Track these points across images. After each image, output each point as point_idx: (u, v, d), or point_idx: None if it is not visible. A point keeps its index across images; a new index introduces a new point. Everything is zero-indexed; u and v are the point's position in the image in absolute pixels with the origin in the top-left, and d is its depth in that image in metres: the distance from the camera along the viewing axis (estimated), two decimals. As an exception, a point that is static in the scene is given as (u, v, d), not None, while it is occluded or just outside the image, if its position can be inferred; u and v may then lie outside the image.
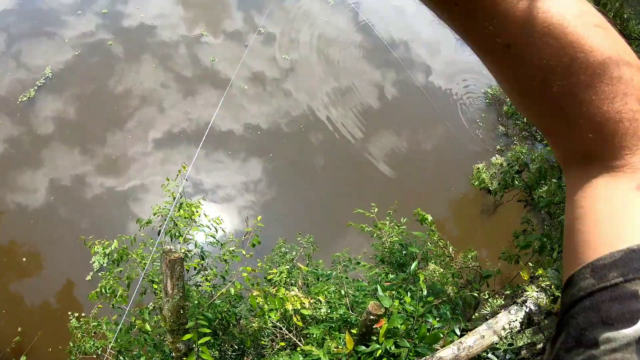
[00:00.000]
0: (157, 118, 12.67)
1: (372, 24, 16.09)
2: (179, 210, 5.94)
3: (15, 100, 12.80)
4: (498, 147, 13.19)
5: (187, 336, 4.11)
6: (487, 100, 14.58)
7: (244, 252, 6.15)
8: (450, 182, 12.37)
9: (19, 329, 9.91)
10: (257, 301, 4.72)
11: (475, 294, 5.76)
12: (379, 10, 16.91)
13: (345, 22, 16.13)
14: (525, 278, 5.50)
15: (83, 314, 9.80)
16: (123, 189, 11.66)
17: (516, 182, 9.12)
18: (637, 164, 0.66)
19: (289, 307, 4.61)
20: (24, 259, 10.82)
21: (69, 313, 9.92)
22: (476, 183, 10.21)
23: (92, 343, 7.10)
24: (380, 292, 4.62)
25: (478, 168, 10.32)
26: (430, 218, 6.56)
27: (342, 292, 5.37)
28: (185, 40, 14.36)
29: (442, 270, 6.01)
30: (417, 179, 12.66)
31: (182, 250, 5.79)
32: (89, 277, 10.47)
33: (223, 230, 6.90)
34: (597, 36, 0.61)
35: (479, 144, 13.43)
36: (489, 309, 5.91)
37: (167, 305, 4.01)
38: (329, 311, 5.17)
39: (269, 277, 6.06)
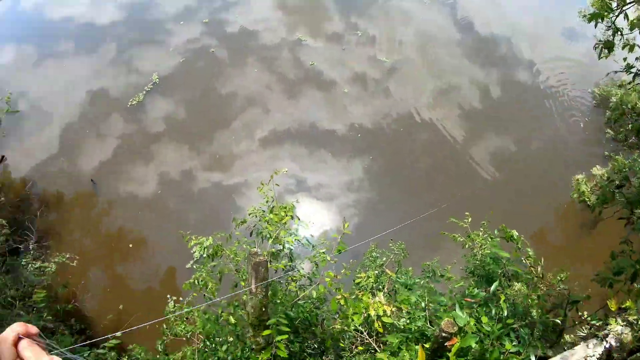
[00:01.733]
0: (262, 118, 12.89)
1: (471, 20, 15.69)
2: (270, 213, 5.90)
3: (126, 103, 13.48)
4: (606, 153, 12.20)
5: (267, 332, 4.29)
6: (594, 101, 13.66)
7: (328, 258, 5.96)
8: (551, 190, 11.59)
9: (120, 306, 10.50)
10: (340, 304, 4.78)
11: (558, 321, 5.16)
12: (477, 5, 16.49)
13: (443, 19, 15.85)
14: (612, 309, 5.00)
15: (180, 298, 10.00)
16: (229, 184, 11.88)
17: (616, 198, 8.09)
18: None
19: (372, 312, 4.61)
20: (131, 245, 11.31)
21: (168, 296, 10.17)
22: (575, 195, 9.74)
23: (183, 327, 7.33)
24: (457, 309, 4.28)
25: (578, 179, 9.86)
26: (516, 234, 6.05)
27: (423, 305, 5.17)
28: (286, 43, 14.65)
29: (527, 290, 5.56)
30: (518, 185, 11.95)
31: (271, 252, 5.75)
32: (189, 265, 10.80)
33: (312, 235, 6.83)
34: None
35: (583, 149, 12.51)
36: (569, 338, 5.47)
37: (251, 302, 4.23)
38: (408, 321, 5.08)
39: (357, 281, 6.02)
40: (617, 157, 9.75)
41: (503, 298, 4.73)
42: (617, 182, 8.43)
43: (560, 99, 13.74)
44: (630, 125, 11.01)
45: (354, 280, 6.36)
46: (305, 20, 15.48)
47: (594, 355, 4.66)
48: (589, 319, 5.43)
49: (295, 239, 5.96)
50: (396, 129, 12.82)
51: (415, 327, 4.88)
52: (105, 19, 16.23)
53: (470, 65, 14.43)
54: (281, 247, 5.99)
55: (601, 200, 8.57)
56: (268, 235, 5.75)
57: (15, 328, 1.09)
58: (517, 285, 5.75)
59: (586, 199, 9.46)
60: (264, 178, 11.49)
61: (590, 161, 11.37)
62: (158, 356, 7.20)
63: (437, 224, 10.54)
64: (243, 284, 5.45)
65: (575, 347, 4.76)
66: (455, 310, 4.27)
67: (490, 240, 6.33)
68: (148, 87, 13.73)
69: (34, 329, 1.13)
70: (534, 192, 11.67)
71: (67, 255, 10.62)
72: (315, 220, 11.13)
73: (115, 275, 11.06)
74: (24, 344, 1.08)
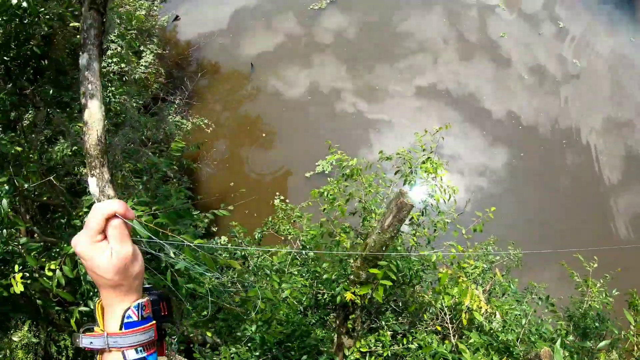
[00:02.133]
0: (427, 68, 12.65)
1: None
2: (423, 162, 5.68)
3: (308, 6, 13.72)
4: None
5: (375, 270, 4.15)
6: None
7: (464, 231, 5.72)
8: None
9: (232, 183, 11.27)
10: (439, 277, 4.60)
11: None
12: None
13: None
14: None
15: (287, 200, 10.46)
16: (371, 117, 11.99)
17: None
18: None
19: (466, 301, 4.42)
20: (264, 135, 11.94)
21: (277, 194, 10.71)
22: None
23: (287, 227, 7.48)
24: (558, 346, 3.87)
25: None
26: None
27: (524, 321, 4.96)
28: (480, 5, 13.92)
29: None
30: None
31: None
32: (308, 175, 11.21)
33: (455, 200, 6.51)
34: None
35: None
36: None
37: (376, 236, 4.05)
38: (500, 329, 4.88)
39: (463, 265, 5.74)
40: None
41: (603, 358, 4.52)
42: None
43: None
44: None
45: (459, 263, 6.20)
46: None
47: None
48: None
49: (442, 197, 5.75)
50: (551, 138, 11.98)
51: (505, 338, 4.72)
52: None
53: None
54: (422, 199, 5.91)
55: None
56: (412, 182, 5.71)
57: (115, 205, 1.02)
58: (615, 355, 5.52)
59: None
60: (406, 125, 11.56)
61: None
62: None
63: (554, 248, 9.99)
64: (374, 215, 5.57)
65: None
66: (557, 344, 4.07)
67: (604, 296, 6.01)
68: (333, -5, 13.84)
69: (131, 213, 1.06)
70: None
71: (205, 121, 11.45)
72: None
73: (239, 155, 11.83)
74: (115, 223, 1.02)
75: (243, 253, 6.46)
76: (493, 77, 12.57)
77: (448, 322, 5.26)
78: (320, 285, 5.84)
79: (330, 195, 5.60)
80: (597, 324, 5.68)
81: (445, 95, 12.23)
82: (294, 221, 7.91)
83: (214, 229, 10.00)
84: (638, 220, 11.17)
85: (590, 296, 6.07)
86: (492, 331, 4.93)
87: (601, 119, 12.41)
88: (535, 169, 11.52)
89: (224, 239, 8.37)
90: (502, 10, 13.84)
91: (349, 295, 4.45)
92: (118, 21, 9.23)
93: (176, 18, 14.25)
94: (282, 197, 10.84)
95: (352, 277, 4.76)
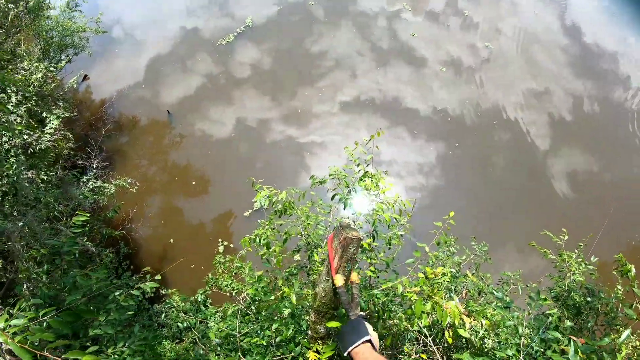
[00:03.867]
0: (347, 82, 12.66)
1: (579, 26, 14.70)
2: (361, 179, 5.36)
3: (216, 42, 13.58)
4: None
5: (333, 324, 3.31)
6: None
7: (427, 249, 5.12)
8: (632, 223, 10.70)
9: (171, 240, 10.67)
10: (411, 298, 3.94)
11: None
12: (590, 12, 15.41)
13: (552, 20, 14.93)
14: None
15: (231, 245, 10.02)
16: (302, 141, 11.78)
17: None
18: None
19: (446, 319, 3.69)
20: (194, 182, 11.44)
21: (219, 240, 10.25)
22: None
23: (230, 282, 6.76)
24: (571, 353, 3.49)
25: None
26: (633, 272, 5.05)
27: (520, 330, 4.31)
28: (385, 13, 14.27)
29: None
30: (594, 209, 11.15)
31: (354, 223, 5.13)
32: (247, 213, 10.79)
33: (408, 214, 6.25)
34: None
35: None
36: None
37: (324, 284, 3.32)
38: (496, 345, 4.28)
39: (430, 275, 5.36)
40: None
41: (625, 351, 4.07)
42: None
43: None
44: None
45: (425, 274, 5.78)
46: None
47: None
48: None
49: (394, 216, 5.43)
50: (483, 122, 12.24)
51: (504, 355, 4.11)
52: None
53: (568, 73, 13.54)
54: (359, 221, 5.52)
55: None
56: (350, 204, 5.30)
57: None
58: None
59: None
60: (338, 142, 11.47)
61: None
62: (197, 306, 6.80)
63: (512, 232, 10.02)
64: (316, 257, 4.95)
65: None
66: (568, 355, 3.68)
67: (584, 265, 5.63)
68: (240, 29, 13.79)
69: None
70: (613, 220, 10.76)
71: (129, 180, 10.83)
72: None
73: (172, 208, 11.27)
74: None
75: (185, 324, 5.95)
76: (412, 78, 12.77)
77: (431, 344, 4.74)
78: (277, 349, 5.15)
79: (264, 239, 4.87)
80: (588, 299, 5.28)
81: (370, 105, 12.26)
82: (236, 273, 7.29)
83: (163, 291, 9.40)
84: (573, 176, 11.57)
85: (570, 269, 5.67)
86: (486, 349, 4.33)
87: (522, 93, 12.85)
88: (473, 154, 11.67)
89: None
90: (407, 14, 14.22)
91: (311, 356, 3.67)
92: (14, 89, 8.64)
93: (85, 78, 13.68)
94: (225, 243, 10.41)
95: (310, 332, 4.20)
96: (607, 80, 13.59)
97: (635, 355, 4.71)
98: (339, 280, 2.69)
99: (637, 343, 4.92)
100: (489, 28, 14.09)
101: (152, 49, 13.94)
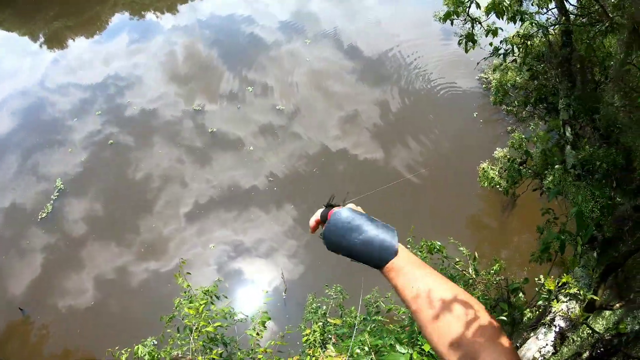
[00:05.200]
0: (181, 193, 12.88)
1: (355, 45, 16.62)
2: (190, 302, 5.74)
3: (37, 217, 13.04)
4: (509, 128, 13.07)
5: None
6: (483, 86, 14.73)
7: (254, 335, 5.38)
8: (467, 184, 11.96)
9: None
10: None
11: (504, 317, 5.04)
12: (357, 29, 17.49)
13: (332, 52, 16.63)
14: (551, 288, 4.70)
15: None
16: (168, 269, 11.72)
17: (523, 173, 8.57)
18: None
19: None
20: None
21: None
22: (485, 184, 9.63)
23: None
24: (397, 346, 4.06)
25: (483, 168, 9.76)
26: (438, 245, 5.97)
27: (367, 349, 4.52)
28: (187, 115, 14.80)
29: None
30: (439, 184, 12.52)
31: (200, 344, 5.46)
32: None
33: (243, 313, 6.64)
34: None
35: (485, 136, 13.33)
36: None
37: None
38: None
39: (304, 339, 5.66)
40: (513, 134, 10.22)
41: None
42: (518, 160, 8.90)
43: (451, 95, 14.75)
44: (516, 102, 11.54)
45: (303, 340, 6.18)
46: (200, 86, 15.77)
47: (547, 345, 4.44)
48: (539, 303, 5.33)
49: (217, 325, 5.63)
50: (317, 166, 13.17)
51: None
52: (1, 129, 15.78)
53: (365, 87, 15.22)
54: (214, 336, 5.82)
55: (510, 182, 9.00)
56: (191, 330, 5.45)
57: None
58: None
59: (497, 184, 9.39)
60: (200, 253, 11.65)
61: (492, 146, 11.82)
62: None
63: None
64: None
65: (526, 344, 4.56)
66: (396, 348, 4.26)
67: (419, 254, 6.07)
68: (54, 195, 13.37)
69: None
70: (455, 189, 12.24)
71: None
72: (261, 279, 11.27)
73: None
74: None
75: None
76: (237, 160, 13.36)
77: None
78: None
79: None
80: None
81: (212, 204, 12.56)
82: None
83: None
84: (412, 167, 12.83)
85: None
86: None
87: (337, 125, 14.11)
88: (317, 199, 12.41)
89: None
90: (207, 106, 14.96)
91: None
92: None
93: None
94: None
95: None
96: (400, 76, 15.50)
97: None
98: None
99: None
100: (283, 85, 15.32)
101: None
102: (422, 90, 15.08)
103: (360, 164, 13.08)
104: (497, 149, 10.26)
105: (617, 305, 5.01)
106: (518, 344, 4.78)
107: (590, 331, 4.50)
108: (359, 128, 14.01)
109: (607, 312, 6.60)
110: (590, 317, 4.65)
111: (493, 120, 13.70)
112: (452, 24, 8.00)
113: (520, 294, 5.70)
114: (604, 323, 5.48)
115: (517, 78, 10.91)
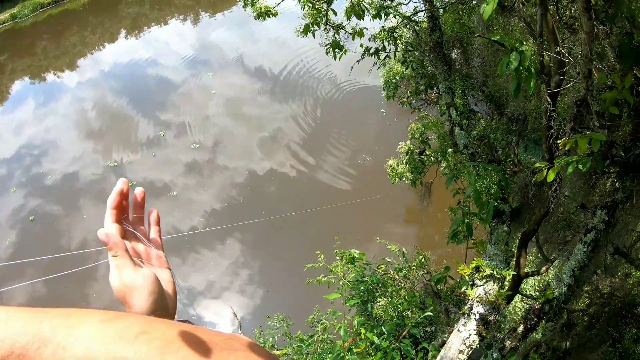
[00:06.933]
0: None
1: (261, 66, 16.95)
2: None
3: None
4: (421, 114, 13.65)
5: None
6: (383, 85, 15.31)
7: None
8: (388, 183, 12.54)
9: None
10: None
11: (429, 313, 4.86)
12: (261, 50, 17.84)
13: (239, 78, 16.89)
14: (465, 273, 4.61)
15: None
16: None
17: (425, 162, 8.58)
18: None
19: None
20: None
21: None
22: (395, 180, 9.35)
23: None
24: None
25: (390, 165, 9.52)
26: (356, 254, 5.89)
27: None
28: (110, 169, 14.56)
29: (390, 299, 5.11)
30: (363, 191, 12.74)
31: None
32: None
33: None
34: None
35: (395, 133, 13.56)
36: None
37: None
38: None
39: None
40: (410, 125, 10.18)
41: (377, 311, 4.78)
42: (417, 150, 8.81)
43: (363, 95, 15.38)
44: (407, 92, 11.38)
45: None
46: (117, 138, 15.56)
47: (470, 336, 4.27)
48: (462, 290, 5.20)
49: None
50: (249, 191, 13.36)
51: None
52: None
53: (279, 104, 15.60)
54: None
55: (415, 173, 8.91)
56: None
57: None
58: (381, 300, 5.37)
59: (405, 178, 9.12)
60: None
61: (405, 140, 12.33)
62: None
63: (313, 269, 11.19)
64: None
65: (448, 341, 4.39)
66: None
67: (350, 265, 6.01)
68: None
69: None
70: (380, 191, 12.26)
71: None
72: (219, 320, 11.37)
73: None
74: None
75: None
76: (174, 205, 13.34)
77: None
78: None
79: None
80: (361, 288, 5.64)
81: (167, 251, 12.50)
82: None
83: None
84: (342, 171, 13.32)
85: (343, 276, 6.00)
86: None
87: (258, 147, 14.38)
88: (257, 229, 12.47)
89: None
90: (127, 157, 14.81)
91: None
92: None
93: None
94: None
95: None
96: (308, 85, 15.93)
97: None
98: None
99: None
100: (198, 120, 15.42)
101: None
102: (333, 95, 15.65)
103: (291, 181, 13.44)
104: (400, 143, 10.55)
105: (544, 268, 5.23)
106: (440, 340, 4.77)
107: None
108: (282, 145, 14.36)
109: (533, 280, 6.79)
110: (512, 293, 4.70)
111: (403, 113, 14.32)
112: (314, 35, 7.73)
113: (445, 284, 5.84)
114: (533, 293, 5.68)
115: (405, 70, 10.52)
